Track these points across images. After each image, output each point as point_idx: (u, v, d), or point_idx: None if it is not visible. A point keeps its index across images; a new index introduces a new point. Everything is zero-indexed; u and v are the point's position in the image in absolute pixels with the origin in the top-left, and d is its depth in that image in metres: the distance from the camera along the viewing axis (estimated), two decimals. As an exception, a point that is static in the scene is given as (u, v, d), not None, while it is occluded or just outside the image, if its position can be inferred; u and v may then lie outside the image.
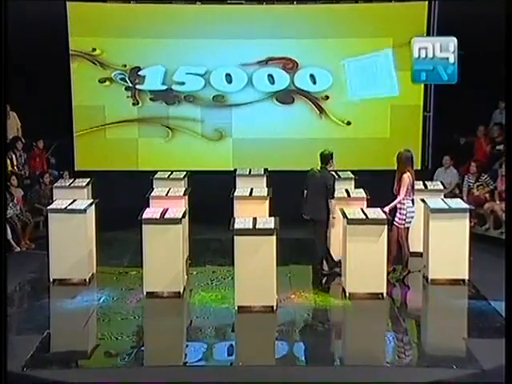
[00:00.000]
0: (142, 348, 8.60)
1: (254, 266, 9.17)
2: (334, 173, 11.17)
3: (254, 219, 9.59)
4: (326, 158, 10.73)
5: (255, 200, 11.40)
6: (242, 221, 9.56)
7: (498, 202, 12.54)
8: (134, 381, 7.74)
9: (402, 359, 8.39)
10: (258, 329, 9.00)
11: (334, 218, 10.70)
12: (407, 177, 10.35)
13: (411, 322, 9.49)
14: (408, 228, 10.50)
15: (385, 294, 9.70)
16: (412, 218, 10.44)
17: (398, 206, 10.37)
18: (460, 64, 10.17)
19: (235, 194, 11.58)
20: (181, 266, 9.88)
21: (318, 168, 10.79)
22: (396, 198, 10.40)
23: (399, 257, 10.61)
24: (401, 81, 13.69)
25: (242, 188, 11.93)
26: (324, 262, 10.89)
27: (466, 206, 10.65)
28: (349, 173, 12.59)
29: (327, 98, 14.10)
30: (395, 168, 10.58)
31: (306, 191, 10.81)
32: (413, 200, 10.40)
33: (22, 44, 12.69)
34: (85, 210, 10.41)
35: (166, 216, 9.90)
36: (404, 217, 10.38)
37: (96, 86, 14.04)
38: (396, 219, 10.42)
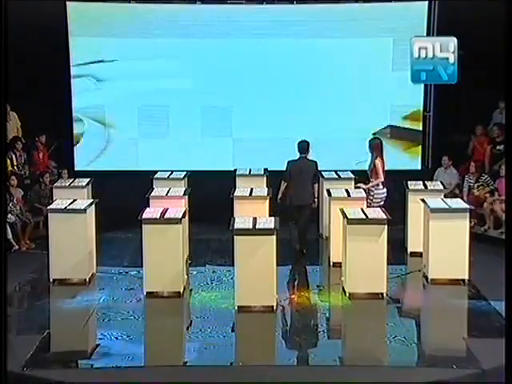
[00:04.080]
0: (142, 348, 8.61)
1: (254, 266, 9.17)
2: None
3: (254, 219, 9.59)
4: (305, 148, 11.52)
5: (255, 200, 11.41)
6: (241, 221, 9.56)
7: (498, 202, 12.53)
8: (134, 381, 7.74)
9: (402, 359, 8.39)
10: (258, 329, 9.00)
11: (315, 201, 11.63)
12: (379, 162, 11.30)
13: (411, 322, 9.49)
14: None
15: (385, 294, 9.71)
16: (379, 200, 11.27)
17: (370, 188, 11.32)
18: (460, 64, 10.17)
19: (235, 194, 11.58)
20: (181, 266, 9.88)
21: (299, 157, 11.56)
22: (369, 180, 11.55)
23: None
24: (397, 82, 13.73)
25: (241, 188, 11.93)
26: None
27: (466, 205, 10.64)
28: (349, 173, 12.62)
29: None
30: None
31: (288, 181, 11.48)
32: (382, 183, 11.35)
33: (22, 44, 12.70)
34: (85, 210, 10.41)
35: (166, 216, 9.90)
36: (372, 198, 11.24)
37: (96, 86, 14.04)
38: (368, 200, 11.20)
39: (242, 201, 11.41)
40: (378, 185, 11.38)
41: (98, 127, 14.18)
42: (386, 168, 11.47)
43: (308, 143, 11.61)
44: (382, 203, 11.25)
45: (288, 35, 13.92)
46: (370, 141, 11.72)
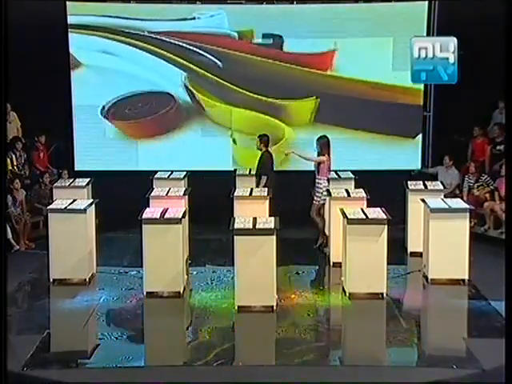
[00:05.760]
0: (142, 348, 8.61)
1: (254, 266, 9.17)
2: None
3: (254, 219, 9.59)
4: (269, 140, 12.38)
5: (255, 200, 11.41)
6: (242, 221, 9.56)
7: (498, 202, 12.53)
8: (134, 381, 7.74)
9: (402, 359, 8.39)
10: (258, 329, 9.00)
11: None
12: (325, 159, 11.71)
13: (411, 322, 9.47)
14: (323, 204, 11.69)
15: (385, 294, 9.71)
16: (326, 195, 11.58)
17: (316, 184, 11.73)
18: (460, 64, 10.17)
19: (235, 194, 11.58)
20: (181, 266, 9.88)
21: (265, 151, 12.29)
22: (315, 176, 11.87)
23: None
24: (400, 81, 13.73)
25: (241, 188, 11.93)
26: None
27: (466, 205, 10.64)
28: (349, 173, 12.62)
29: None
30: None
31: (269, 174, 12.14)
32: (328, 179, 11.76)
33: (21, 44, 12.69)
34: (85, 210, 10.41)
35: (166, 216, 9.90)
36: (320, 194, 11.69)
37: (96, 86, 14.03)
38: (314, 197, 11.79)
39: (242, 201, 11.39)
40: (323, 181, 11.72)
41: (98, 127, 14.17)
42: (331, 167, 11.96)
43: (268, 137, 12.32)
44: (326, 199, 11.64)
45: (288, 35, 13.91)
46: (318, 139, 11.95)
